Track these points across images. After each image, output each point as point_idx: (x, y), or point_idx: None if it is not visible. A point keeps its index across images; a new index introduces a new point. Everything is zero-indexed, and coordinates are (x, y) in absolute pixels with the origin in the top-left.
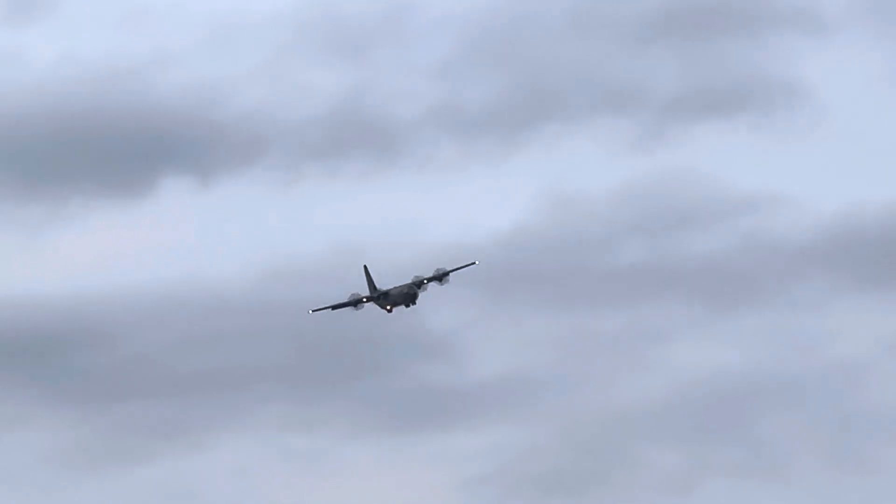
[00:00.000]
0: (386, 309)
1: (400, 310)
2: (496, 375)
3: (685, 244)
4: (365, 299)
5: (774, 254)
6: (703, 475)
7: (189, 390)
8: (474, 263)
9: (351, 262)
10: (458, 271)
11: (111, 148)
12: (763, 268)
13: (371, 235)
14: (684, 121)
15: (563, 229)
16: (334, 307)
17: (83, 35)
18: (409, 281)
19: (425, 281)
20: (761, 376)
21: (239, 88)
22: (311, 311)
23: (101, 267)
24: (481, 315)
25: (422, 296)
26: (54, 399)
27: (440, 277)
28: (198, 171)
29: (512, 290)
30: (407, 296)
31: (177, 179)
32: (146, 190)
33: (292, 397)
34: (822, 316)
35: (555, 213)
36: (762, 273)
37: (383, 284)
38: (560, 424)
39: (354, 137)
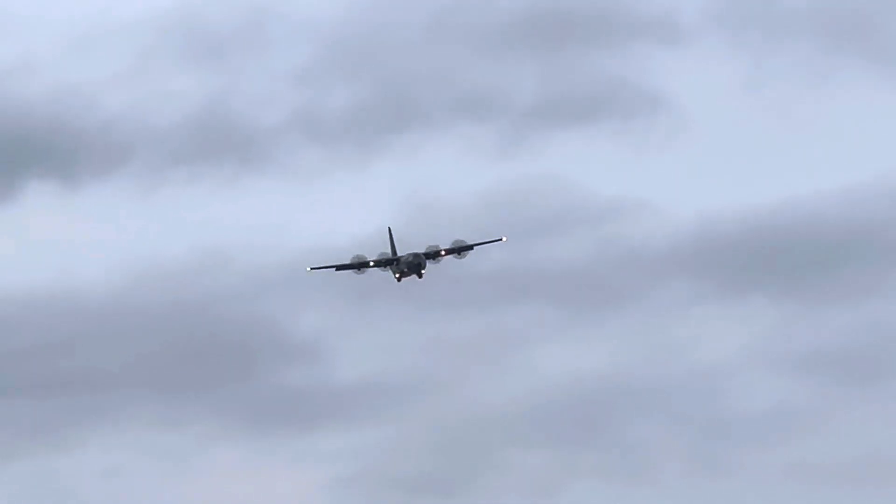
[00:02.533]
0: (396, 277)
1: (412, 280)
2: (361, 378)
3: (547, 250)
4: (372, 263)
5: (635, 260)
6: (567, 477)
7: (56, 391)
8: (501, 239)
9: (215, 265)
10: (483, 246)
11: None
12: (624, 273)
13: (235, 240)
14: (545, 128)
15: (425, 235)
16: (338, 268)
17: None
18: (423, 250)
19: (442, 252)
20: (623, 381)
21: (102, 94)
22: (309, 269)
23: None
24: (346, 319)
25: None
26: None
27: (459, 250)
28: (62, 176)
29: (376, 295)
30: (412, 264)
31: (41, 184)
32: (11, 195)
33: (159, 398)
34: (683, 321)
35: (417, 219)
36: (623, 279)
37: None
38: (425, 427)
39: (218, 143)
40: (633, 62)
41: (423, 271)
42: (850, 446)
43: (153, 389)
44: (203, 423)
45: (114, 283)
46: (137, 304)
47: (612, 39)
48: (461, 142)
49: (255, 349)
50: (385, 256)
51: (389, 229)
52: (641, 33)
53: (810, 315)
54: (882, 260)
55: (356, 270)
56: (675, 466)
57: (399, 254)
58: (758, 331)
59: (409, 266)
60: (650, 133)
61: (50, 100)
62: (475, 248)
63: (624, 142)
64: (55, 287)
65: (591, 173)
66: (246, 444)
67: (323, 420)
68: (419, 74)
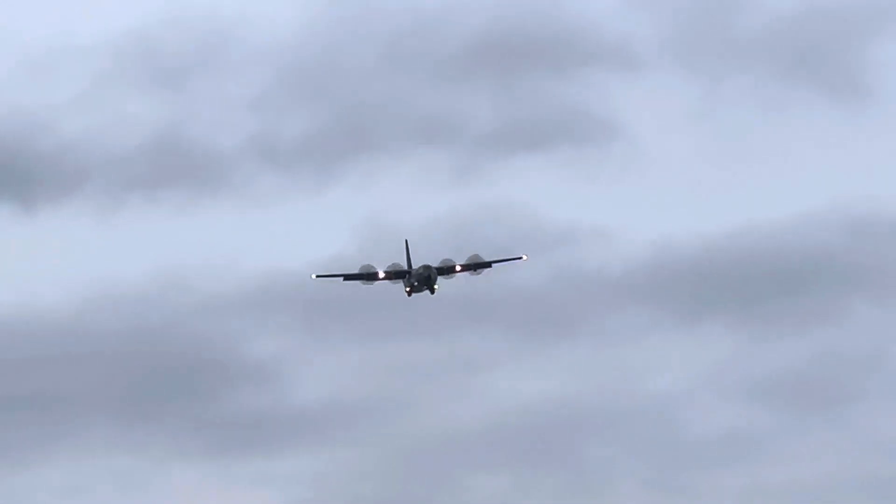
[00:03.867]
0: (406, 291)
1: (423, 296)
2: (318, 401)
3: (503, 276)
4: (382, 275)
5: (591, 286)
6: (525, 500)
7: (14, 413)
8: (521, 258)
9: (172, 288)
10: (502, 263)
11: None
12: (580, 300)
13: (192, 263)
14: (501, 154)
15: (381, 260)
16: (345, 277)
17: None
18: (437, 263)
19: (457, 268)
20: (579, 406)
21: (59, 118)
22: (314, 276)
23: None
24: (303, 342)
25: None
26: None
27: (475, 267)
28: (20, 200)
29: (333, 319)
30: (423, 277)
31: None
32: None
33: (117, 420)
34: (638, 347)
35: (373, 244)
36: (579, 305)
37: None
38: (382, 450)
39: (175, 167)
40: (589, 90)
41: (435, 286)
42: (805, 471)
43: (111, 411)
44: (161, 445)
45: (71, 306)
46: (95, 327)
47: (567, 67)
48: (417, 168)
49: (212, 372)
50: (396, 268)
51: (406, 242)
52: (596, 61)
53: (765, 341)
54: (836, 287)
55: (364, 281)
56: (632, 491)
57: (414, 267)
58: (713, 357)
59: (419, 280)
60: (605, 160)
61: (7, 123)
62: (493, 265)
63: (579, 168)
64: (12, 310)
65: (546, 200)
66: (203, 467)
67: (280, 443)
68: (375, 101)
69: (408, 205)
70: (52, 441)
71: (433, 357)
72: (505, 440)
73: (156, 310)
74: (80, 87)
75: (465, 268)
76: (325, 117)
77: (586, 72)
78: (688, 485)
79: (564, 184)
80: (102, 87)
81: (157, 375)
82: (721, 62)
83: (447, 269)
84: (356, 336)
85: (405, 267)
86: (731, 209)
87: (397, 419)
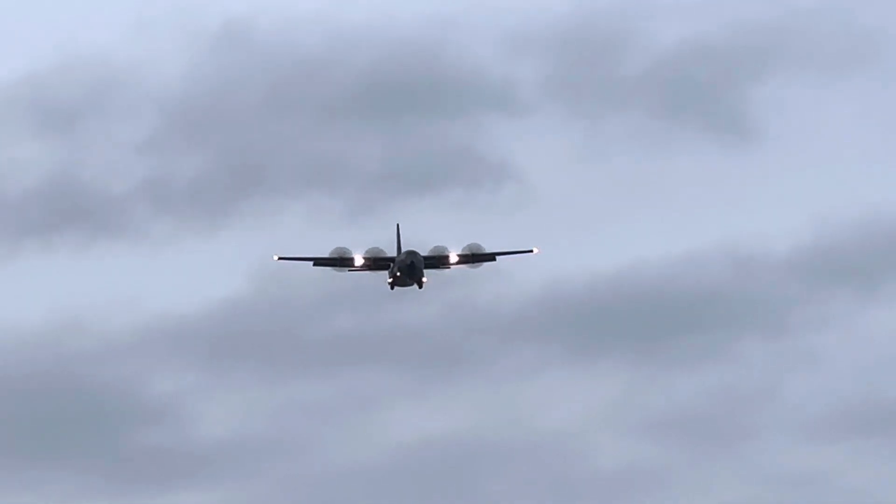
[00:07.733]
0: (388, 282)
1: (409, 293)
2: (219, 440)
3: (395, 313)
4: (363, 262)
5: (483, 324)
6: None
7: None
8: (532, 251)
9: (70, 331)
10: (510, 256)
11: None
12: (472, 337)
13: (88, 306)
14: (392, 195)
15: (274, 300)
16: (316, 262)
17: None
18: (426, 252)
19: (451, 260)
20: (470, 442)
21: None
22: (276, 258)
23: None
24: (199, 381)
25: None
26: None
27: (474, 258)
28: None
29: (227, 359)
30: (405, 266)
31: None
32: None
33: (18, 462)
34: (531, 385)
35: (266, 285)
36: (472, 342)
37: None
38: (282, 487)
39: (68, 212)
40: (476, 132)
41: (423, 279)
42: None
43: (12, 453)
44: (63, 484)
45: None
46: None
47: (453, 110)
48: (309, 209)
49: (111, 412)
50: (378, 254)
51: (398, 226)
52: (482, 104)
53: (656, 378)
54: (725, 324)
55: (337, 268)
56: None
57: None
58: (605, 393)
59: (402, 269)
60: (495, 200)
61: None
62: (498, 258)
63: (469, 209)
64: None
65: (437, 240)
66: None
67: (181, 481)
68: (265, 143)
69: (301, 245)
70: None
71: (329, 394)
72: (401, 477)
73: (53, 353)
74: None
75: (463, 259)
76: (216, 160)
77: (473, 114)
78: None
79: (455, 224)
80: None
81: (55, 418)
82: (605, 103)
83: (438, 259)
84: (255, 374)
85: (389, 254)
86: (620, 247)
87: (296, 456)
